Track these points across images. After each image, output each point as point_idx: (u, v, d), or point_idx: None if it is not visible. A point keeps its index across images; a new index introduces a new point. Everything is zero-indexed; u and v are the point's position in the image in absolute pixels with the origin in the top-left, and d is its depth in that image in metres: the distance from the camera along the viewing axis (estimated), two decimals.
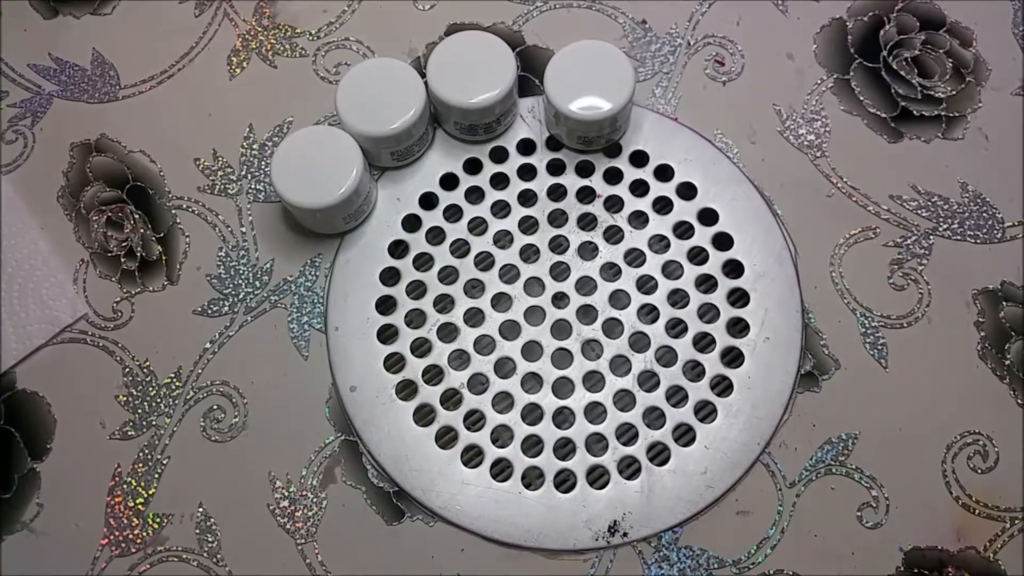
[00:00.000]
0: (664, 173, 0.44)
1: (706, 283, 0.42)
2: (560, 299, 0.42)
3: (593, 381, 0.40)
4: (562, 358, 0.41)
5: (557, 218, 0.43)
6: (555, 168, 0.44)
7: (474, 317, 0.41)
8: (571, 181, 0.44)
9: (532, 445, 0.39)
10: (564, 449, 0.39)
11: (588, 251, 0.42)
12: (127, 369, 0.41)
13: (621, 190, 0.43)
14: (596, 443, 0.39)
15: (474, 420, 0.40)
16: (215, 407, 0.40)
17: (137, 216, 0.44)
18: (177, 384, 0.41)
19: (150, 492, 0.39)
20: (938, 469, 0.38)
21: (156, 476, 0.39)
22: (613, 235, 0.43)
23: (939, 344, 0.40)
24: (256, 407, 0.40)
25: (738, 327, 0.41)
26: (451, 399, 0.40)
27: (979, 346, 0.40)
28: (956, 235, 0.42)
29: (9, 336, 0.42)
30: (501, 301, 0.42)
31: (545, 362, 0.40)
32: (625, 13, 0.47)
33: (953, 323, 0.41)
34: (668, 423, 0.39)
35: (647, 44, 0.46)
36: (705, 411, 0.40)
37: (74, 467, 0.40)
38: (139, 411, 0.40)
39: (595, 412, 0.40)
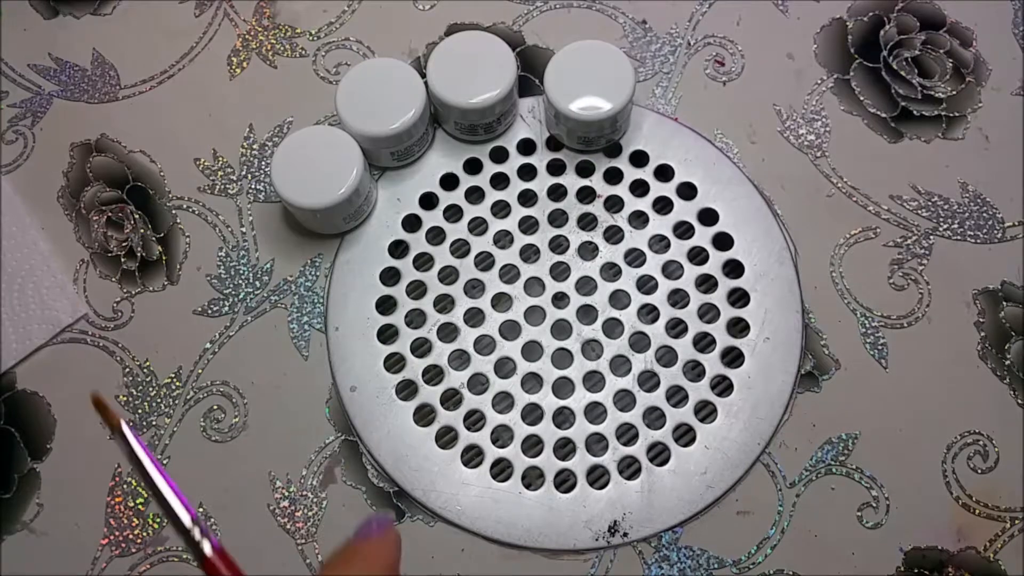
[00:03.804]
0: (664, 173, 0.44)
1: (706, 283, 0.42)
2: (560, 299, 0.42)
3: (593, 381, 0.40)
4: (562, 358, 0.41)
5: (557, 218, 0.43)
6: (555, 168, 0.44)
7: (474, 317, 0.41)
8: (571, 181, 0.44)
9: (532, 445, 0.39)
10: (564, 449, 0.39)
11: (588, 251, 0.42)
12: (127, 369, 0.41)
13: (621, 190, 0.43)
14: (596, 443, 0.39)
15: (474, 420, 0.40)
16: (215, 407, 0.40)
17: (137, 216, 0.44)
18: (177, 384, 0.41)
19: None
20: (938, 469, 0.38)
21: None
22: (613, 235, 0.43)
23: (939, 344, 0.40)
24: (256, 407, 0.40)
25: (738, 327, 0.41)
26: (451, 399, 0.40)
27: (979, 346, 0.40)
28: (956, 235, 0.42)
29: (9, 336, 0.42)
30: (501, 301, 0.42)
31: (545, 362, 0.40)
32: (625, 13, 0.47)
33: (953, 323, 0.41)
34: (668, 423, 0.39)
35: (647, 44, 0.46)
36: (705, 411, 0.40)
37: (74, 467, 0.40)
38: (139, 411, 0.40)
39: (595, 412, 0.40)
